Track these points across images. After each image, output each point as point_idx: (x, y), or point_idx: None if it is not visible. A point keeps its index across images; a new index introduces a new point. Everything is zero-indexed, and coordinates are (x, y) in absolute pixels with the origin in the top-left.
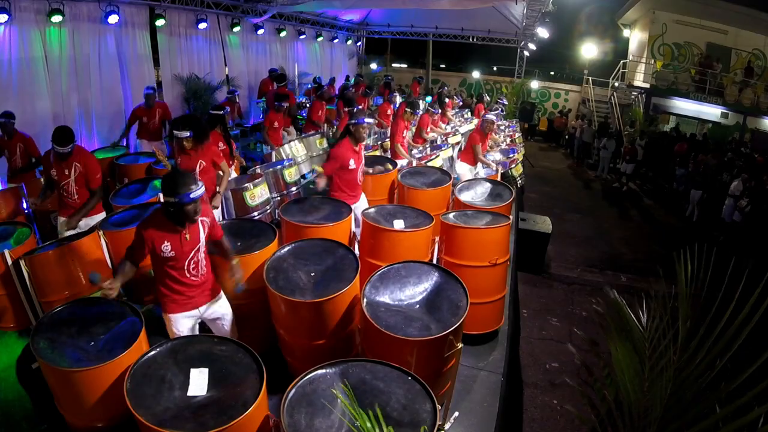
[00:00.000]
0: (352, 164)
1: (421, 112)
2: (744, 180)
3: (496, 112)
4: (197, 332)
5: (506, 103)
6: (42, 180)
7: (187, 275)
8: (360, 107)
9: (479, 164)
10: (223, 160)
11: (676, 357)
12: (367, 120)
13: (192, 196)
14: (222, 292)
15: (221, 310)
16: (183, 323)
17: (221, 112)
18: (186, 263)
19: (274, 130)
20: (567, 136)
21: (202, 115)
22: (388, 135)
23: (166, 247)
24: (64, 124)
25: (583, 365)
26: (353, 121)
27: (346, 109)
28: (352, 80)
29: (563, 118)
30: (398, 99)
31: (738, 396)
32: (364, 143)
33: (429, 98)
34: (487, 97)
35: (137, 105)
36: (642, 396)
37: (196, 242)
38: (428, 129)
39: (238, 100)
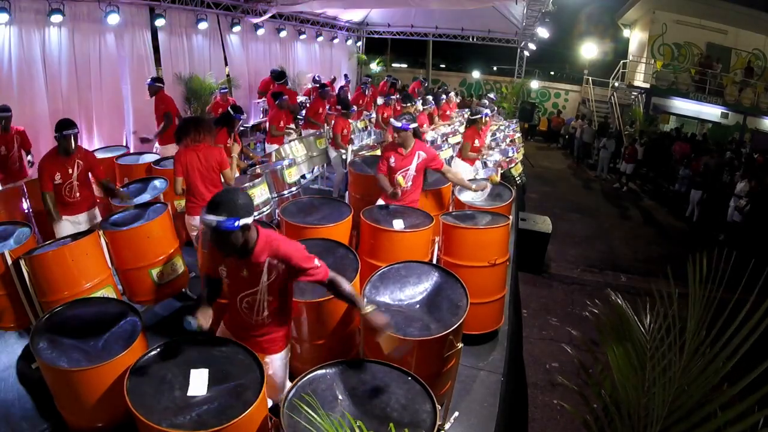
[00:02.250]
0: (392, 161)
1: (418, 105)
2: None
3: (487, 110)
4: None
5: (494, 98)
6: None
7: (239, 309)
8: (355, 109)
9: (478, 163)
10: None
11: (682, 359)
12: (396, 123)
13: (225, 225)
14: (279, 355)
15: (269, 370)
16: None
17: (232, 114)
18: (239, 298)
19: (281, 129)
20: (567, 136)
21: (202, 114)
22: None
23: (223, 270)
24: None
25: (581, 365)
26: (391, 123)
27: (338, 108)
28: (353, 81)
29: (560, 118)
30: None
31: (743, 398)
32: (408, 148)
33: (429, 98)
34: (492, 96)
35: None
36: (642, 396)
37: (255, 284)
38: (423, 127)
39: (229, 98)
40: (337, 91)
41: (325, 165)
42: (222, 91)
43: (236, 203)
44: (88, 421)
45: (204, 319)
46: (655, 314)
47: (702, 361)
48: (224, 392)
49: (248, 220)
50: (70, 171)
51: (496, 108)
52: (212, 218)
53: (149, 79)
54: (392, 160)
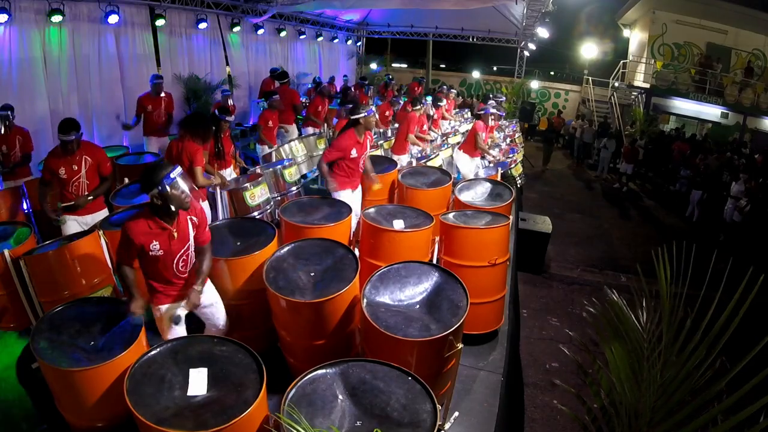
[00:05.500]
0: (354, 153)
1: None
2: (744, 180)
3: (492, 104)
4: (184, 324)
5: (503, 99)
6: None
7: (175, 272)
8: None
9: (479, 159)
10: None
11: (662, 356)
12: (373, 109)
13: (172, 176)
14: (209, 281)
15: (210, 298)
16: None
17: (217, 115)
18: (174, 261)
19: (269, 129)
20: (567, 137)
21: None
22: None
23: (155, 246)
24: None
25: (580, 366)
26: (363, 114)
27: (344, 108)
28: (352, 81)
29: (561, 118)
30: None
31: (731, 393)
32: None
33: (429, 98)
34: (500, 98)
35: (143, 93)
36: (639, 395)
37: (185, 241)
38: (423, 128)
39: (230, 102)
40: (340, 90)
41: None
42: (224, 93)
43: (161, 162)
44: (88, 421)
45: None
46: (651, 312)
47: (676, 360)
48: (224, 392)
49: None
50: (75, 168)
51: (502, 111)
52: (175, 171)
53: (156, 79)
54: (354, 151)
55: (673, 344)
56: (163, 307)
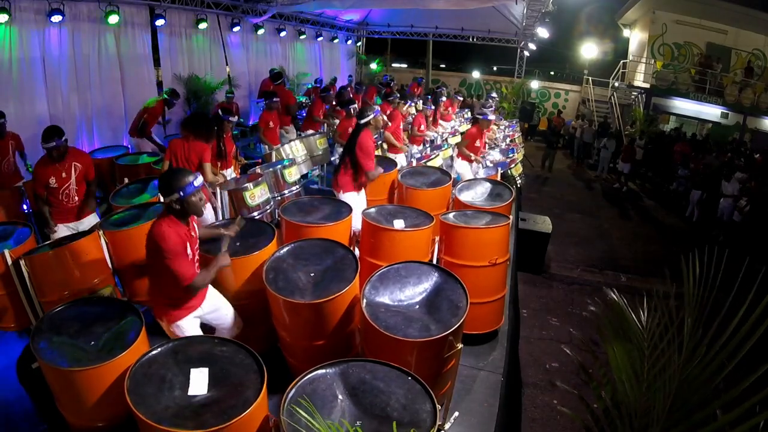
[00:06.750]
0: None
1: (412, 103)
2: (743, 180)
3: (490, 108)
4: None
5: (496, 96)
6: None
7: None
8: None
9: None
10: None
11: (680, 359)
12: (379, 109)
13: (195, 183)
14: (211, 287)
15: (213, 305)
16: (191, 324)
17: (220, 115)
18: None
19: (270, 130)
20: (567, 137)
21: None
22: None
23: (190, 253)
24: (63, 124)
25: (581, 365)
26: (372, 115)
27: (345, 108)
28: (354, 82)
29: (561, 118)
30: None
31: (744, 400)
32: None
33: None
34: (494, 95)
35: (158, 100)
36: (641, 396)
37: (197, 241)
38: (421, 128)
39: (234, 101)
40: (338, 91)
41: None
42: (227, 96)
43: (183, 168)
44: (89, 420)
45: None
46: (652, 312)
47: (700, 362)
48: (224, 392)
49: None
50: (65, 175)
51: (494, 107)
52: (198, 180)
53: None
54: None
55: (696, 348)
56: (182, 323)
